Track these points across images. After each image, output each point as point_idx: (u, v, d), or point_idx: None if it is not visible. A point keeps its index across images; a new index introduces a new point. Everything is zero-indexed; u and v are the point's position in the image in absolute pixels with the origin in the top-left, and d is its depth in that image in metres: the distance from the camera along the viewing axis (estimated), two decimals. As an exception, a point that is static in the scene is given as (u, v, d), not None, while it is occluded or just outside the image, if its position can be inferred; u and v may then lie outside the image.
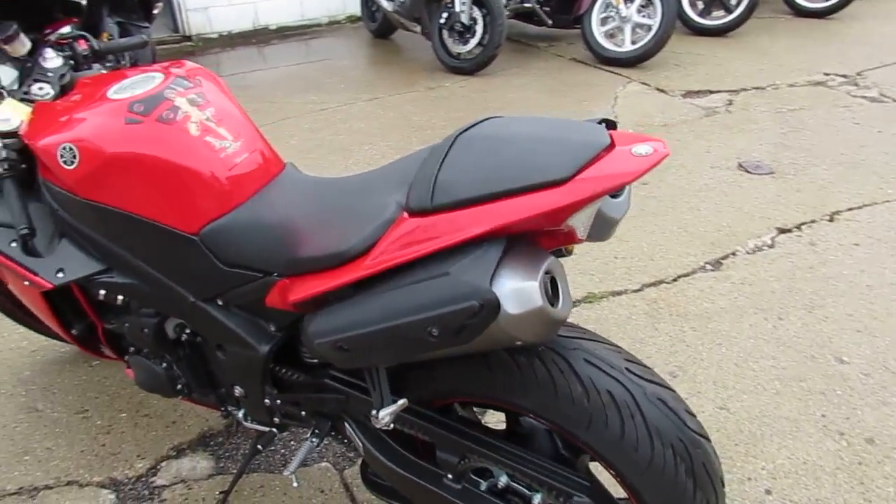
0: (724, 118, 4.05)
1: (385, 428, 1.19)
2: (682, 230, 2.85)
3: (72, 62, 1.61)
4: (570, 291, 2.34)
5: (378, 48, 6.11)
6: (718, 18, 5.73)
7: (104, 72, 1.67)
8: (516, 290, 0.92)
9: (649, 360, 2.12)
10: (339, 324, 1.04)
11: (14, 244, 1.45)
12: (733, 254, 2.68)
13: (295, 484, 1.41)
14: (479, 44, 4.94)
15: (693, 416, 1.17)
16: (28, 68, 1.56)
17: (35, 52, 1.57)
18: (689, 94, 4.46)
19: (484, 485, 1.33)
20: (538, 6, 5.32)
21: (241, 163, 1.32)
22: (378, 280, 1.03)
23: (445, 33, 5.08)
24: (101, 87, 1.40)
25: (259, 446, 1.58)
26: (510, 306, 0.92)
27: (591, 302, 2.42)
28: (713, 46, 5.46)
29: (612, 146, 0.94)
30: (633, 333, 2.25)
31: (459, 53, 5.05)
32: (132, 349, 1.60)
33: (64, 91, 1.53)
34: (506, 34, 4.85)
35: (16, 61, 1.57)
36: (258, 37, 6.72)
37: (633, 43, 4.98)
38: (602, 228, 1.11)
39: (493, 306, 0.91)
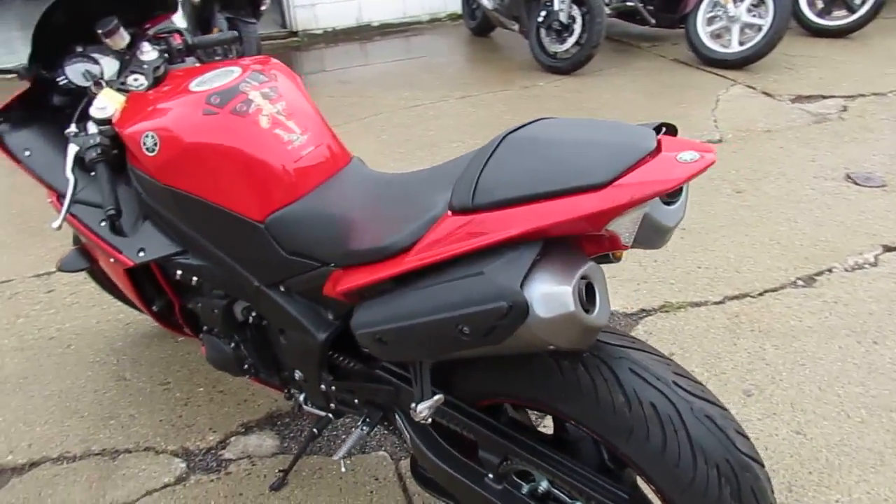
0: (835, 125, 3.80)
1: (424, 421, 1.20)
2: (775, 242, 2.70)
3: (166, 55, 1.71)
4: (647, 300, 2.27)
5: (476, 46, 6.13)
6: (839, 18, 5.38)
7: (197, 64, 1.77)
8: (548, 294, 0.91)
9: (724, 377, 2.03)
10: (378, 316, 1.06)
11: (103, 223, 1.56)
12: (829, 270, 2.51)
13: (343, 469, 1.45)
14: (577, 43, 4.87)
15: (745, 437, 1.11)
16: (127, 60, 1.67)
17: (133, 46, 1.67)
18: (798, 98, 4.22)
19: (526, 488, 1.31)
20: (641, 5, 5.17)
21: (307, 155, 1.36)
22: (418, 276, 1.04)
23: (543, 32, 5.03)
24: (186, 80, 1.48)
25: (315, 430, 1.64)
26: (541, 310, 0.91)
27: (667, 311, 2.34)
28: (831, 48, 5.13)
29: (657, 151, 0.91)
30: (710, 347, 2.16)
31: (556, 53, 4.99)
32: (205, 328, 1.69)
33: (157, 82, 1.63)
34: (604, 33, 4.75)
35: (117, 54, 1.68)
36: (361, 33, 6.89)
37: (741, 44, 4.75)
38: (653, 236, 1.08)
39: (522, 308, 0.90)
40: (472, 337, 0.96)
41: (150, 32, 1.77)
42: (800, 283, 2.45)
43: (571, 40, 4.88)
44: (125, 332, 2.41)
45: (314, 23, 6.80)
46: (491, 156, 1.01)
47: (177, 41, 1.77)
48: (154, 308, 1.76)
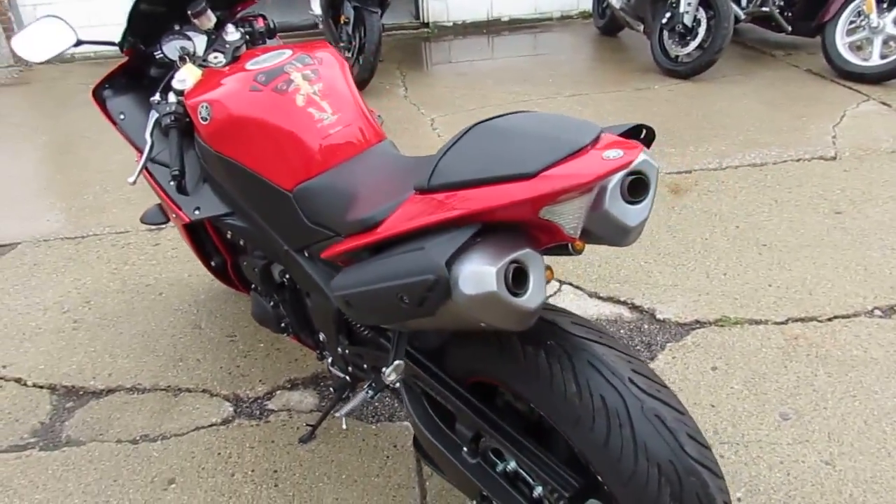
0: (973, 151, 3.45)
1: (392, 385, 1.28)
2: (861, 268, 2.52)
3: (248, 37, 1.88)
4: (704, 311, 2.21)
5: (601, 45, 6.06)
6: None
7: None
8: (473, 273, 0.96)
9: (763, 397, 1.96)
10: (347, 281, 1.16)
11: (171, 182, 1.77)
12: (917, 304, 2.33)
13: (344, 426, 1.56)
14: (699, 46, 4.70)
15: (701, 444, 1.11)
16: (213, 40, 1.86)
17: (220, 27, 1.87)
18: (937, 119, 3.86)
19: (500, 467, 1.37)
20: (777, 11, 4.90)
21: (335, 134, 1.48)
22: (383, 247, 1.13)
23: (666, 34, 4.90)
24: (247, 59, 1.65)
25: (332, 388, 1.77)
26: (466, 287, 0.97)
27: (722, 326, 2.27)
28: None
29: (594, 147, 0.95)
30: (757, 366, 2.08)
31: (677, 56, 4.85)
32: (252, 285, 1.87)
33: (235, 61, 1.81)
34: (729, 39, 4.55)
35: (205, 33, 1.88)
36: (490, 27, 6.99)
37: (883, 57, 4.39)
38: (613, 233, 1.10)
39: (445, 282, 0.96)
40: (410, 306, 1.03)
41: (238, 16, 1.96)
42: (877, 312, 2.28)
43: (694, 44, 4.72)
44: (209, 287, 2.67)
45: (445, 15, 6.99)
46: (455, 143, 1.08)
47: (259, 24, 1.94)
48: (212, 263, 1.96)
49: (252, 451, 1.91)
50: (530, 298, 1.00)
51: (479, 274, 0.96)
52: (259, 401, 2.11)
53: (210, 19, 1.85)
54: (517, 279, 0.99)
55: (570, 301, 2.47)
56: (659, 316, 2.36)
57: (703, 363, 2.11)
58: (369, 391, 1.58)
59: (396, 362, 1.27)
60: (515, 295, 0.98)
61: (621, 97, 4.55)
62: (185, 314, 2.53)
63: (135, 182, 1.74)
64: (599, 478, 1.14)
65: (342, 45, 4.88)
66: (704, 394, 2.00)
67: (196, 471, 1.87)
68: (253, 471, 1.85)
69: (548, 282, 1.16)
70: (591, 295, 2.50)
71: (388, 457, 1.86)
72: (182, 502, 1.78)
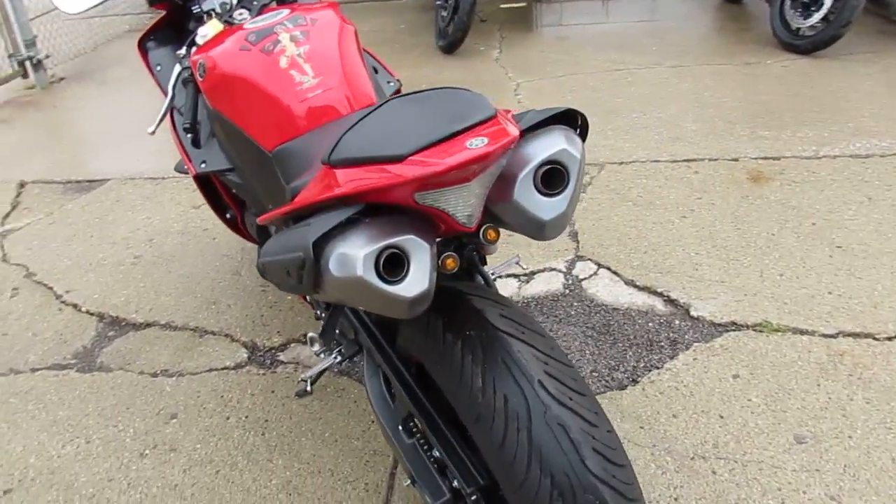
0: None
1: (316, 355, 1.28)
2: (946, 284, 2.22)
3: None
4: (745, 313, 2.05)
5: (722, 14, 5.60)
6: None
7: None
8: (341, 255, 0.93)
9: (781, 415, 1.79)
10: (265, 249, 1.16)
11: (189, 135, 1.83)
12: None
13: (308, 388, 1.59)
14: (824, 18, 4.23)
15: (609, 461, 1.02)
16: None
17: None
18: None
19: (431, 452, 1.34)
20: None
21: (313, 97, 1.47)
22: (298, 219, 1.12)
23: (788, 2, 4.45)
24: (253, 18, 1.66)
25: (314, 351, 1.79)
26: (334, 269, 0.94)
27: (760, 331, 2.08)
28: None
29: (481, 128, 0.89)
30: (785, 380, 1.89)
31: (798, 28, 4.39)
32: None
33: None
34: (860, 11, 4.06)
35: None
36: (610, -11, 6.65)
37: None
38: (527, 225, 1.04)
39: (311, 262, 0.94)
40: (294, 281, 1.02)
41: None
42: (948, 337, 2.01)
43: (818, 15, 4.25)
44: (256, 236, 2.78)
45: (562, -25, 6.71)
46: (365, 116, 1.03)
47: None
48: (227, 216, 2.03)
49: (251, 399, 1.99)
50: (408, 287, 0.95)
51: (345, 256, 0.93)
52: (272, 351, 2.18)
53: None
54: (393, 265, 0.94)
55: (603, 287, 2.35)
56: (693, 313, 2.20)
57: (726, 369, 1.96)
58: (337, 356, 1.59)
59: (311, 334, 1.27)
60: (389, 282, 0.94)
61: (725, 71, 4.20)
62: (230, 260, 2.65)
63: (153, 132, 1.82)
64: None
65: (438, 3, 4.82)
66: (716, 402, 1.85)
67: (197, 409, 1.97)
68: (246, 417, 1.93)
69: (450, 270, 1.11)
70: (627, 282, 2.37)
71: (372, 422, 1.88)
72: (178, 436, 1.89)
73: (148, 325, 2.35)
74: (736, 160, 3.10)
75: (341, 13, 1.66)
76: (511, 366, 1.06)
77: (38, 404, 2.04)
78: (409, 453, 1.34)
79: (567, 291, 2.36)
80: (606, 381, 1.96)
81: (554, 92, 4.07)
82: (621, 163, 3.18)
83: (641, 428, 1.80)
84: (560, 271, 2.46)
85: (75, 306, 2.48)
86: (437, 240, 1.08)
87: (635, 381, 1.96)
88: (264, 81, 1.47)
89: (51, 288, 2.59)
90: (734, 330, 2.10)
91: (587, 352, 2.08)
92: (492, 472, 1.13)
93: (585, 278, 2.41)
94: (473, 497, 1.18)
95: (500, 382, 1.05)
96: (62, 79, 5.04)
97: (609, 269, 2.45)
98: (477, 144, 0.86)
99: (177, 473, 1.78)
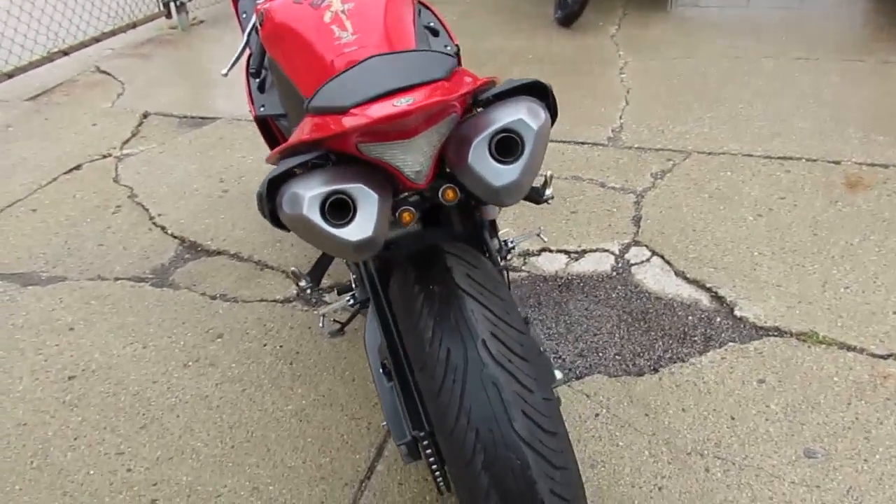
0: None
1: (300, 289, 1.39)
2: None
3: None
4: (793, 321, 2.05)
5: (880, 6, 5.13)
6: None
7: None
8: (291, 194, 1.01)
9: (800, 427, 1.71)
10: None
11: (255, 80, 1.97)
12: None
13: (321, 324, 1.70)
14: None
15: (540, 427, 1.06)
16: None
17: None
18: None
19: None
20: None
21: (348, 52, 1.54)
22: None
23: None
24: None
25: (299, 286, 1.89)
26: (285, 206, 1.02)
27: (803, 340, 1.98)
28: None
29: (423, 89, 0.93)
30: (813, 393, 1.80)
31: (952, 27, 3.97)
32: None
33: None
34: None
35: None
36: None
37: None
38: (483, 190, 1.07)
39: (265, 198, 1.02)
40: (262, 214, 1.11)
41: None
42: None
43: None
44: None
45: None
46: (345, 70, 1.10)
47: None
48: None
49: (289, 331, 2.15)
50: (351, 231, 1.02)
51: (295, 196, 1.00)
52: (319, 292, 2.33)
53: None
54: (339, 210, 1.01)
55: (651, 275, 2.31)
56: (738, 312, 2.12)
57: (753, 373, 1.89)
58: (350, 300, 1.69)
59: (293, 269, 1.37)
60: (334, 224, 1.01)
61: (856, 68, 3.88)
62: (302, 204, 2.82)
63: (226, 74, 1.98)
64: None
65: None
66: (732, 403, 1.80)
67: (241, 333, 2.15)
68: (281, 346, 2.09)
69: (405, 224, 1.16)
70: (677, 273, 2.31)
71: (392, 369, 1.98)
72: (219, 354, 2.08)
73: (219, 252, 2.57)
74: (837, 163, 2.90)
75: None
76: (460, 322, 1.12)
77: (113, 309, 2.30)
78: (384, 395, 1.42)
79: (614, 274, 2.33)
80: (626, 366, 1.95)
81: (660, 74, 3.94)
82: (710, 153, 3.05)
83: (646, 415, 1.79)
84: (612, 253, 2.43)
85: (163, 228, 2.74)
86: (404, 195, 1.13)
87: (655, 370, 1.93)
88: (308, 33, 1.57)
89: (147, 209, 2.87)
90: (775, 335, 2.02)
91: (616, 335, 2.07)
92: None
93: (636, 264, 2.37)
94: (425, 442, 1.25)
95: (447, 336, 1.11)
96: (201, 22, 5.44)
97: (663, 257, 2.40)
98: (401, 103, 0.91)
99: (210, 386, 1.97)
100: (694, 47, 4.32)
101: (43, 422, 1.88)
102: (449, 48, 1.93)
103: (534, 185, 1.59)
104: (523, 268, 2.39)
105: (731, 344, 2.01)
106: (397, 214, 1.17)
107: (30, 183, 3.09)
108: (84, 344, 2.15)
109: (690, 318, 2.12)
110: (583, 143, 3.20)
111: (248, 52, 2.10)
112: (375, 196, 1.03)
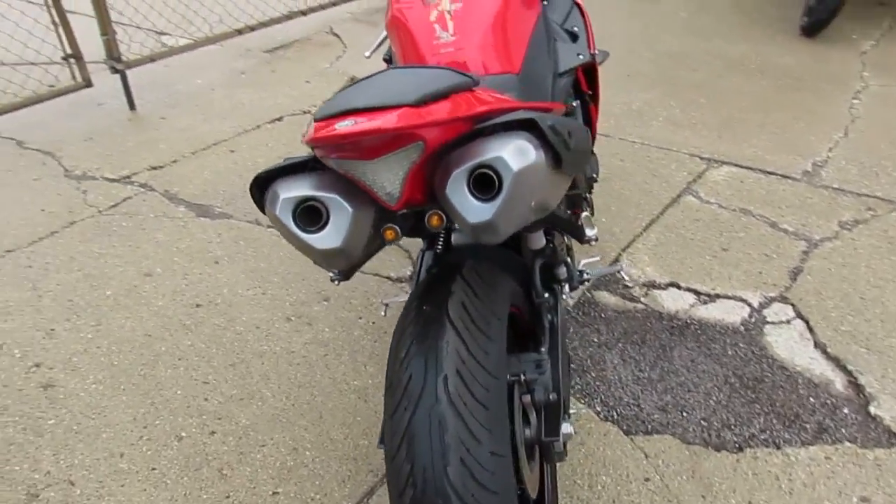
0: None
1: None
2: None
3: None
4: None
5: None
6: None
7: None
8: (272, 193, 1.02)
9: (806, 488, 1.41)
10: None
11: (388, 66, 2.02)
12: None
13: (382, 313, 1.74)
14: None
15: (475, 480, 1.01)
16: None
17: None
18: None
19: None
20: None
21: (444, 54, 1.53)
22: None
23: None
24: None
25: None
26: (267, 202, 1.04)
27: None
28: None
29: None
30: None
31: None
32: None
33: None
34: None
35: None
36: None
37: None
38: (460, 223, 1.02)
39: (253, 191, 1.05)
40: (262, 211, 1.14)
41: None
42: None
43: None
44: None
45: None
46: (359, 81, 1.08)
47: None
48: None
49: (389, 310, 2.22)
50: (320, 239, 1.01)
51: (274, 195, 1.02)
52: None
53: None
54: (311, 216, 1.01)
55: (785, 339, 2.01)
56: (873, 409, 1.78)
57: (858, 487, 1.58)
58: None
59: None
60: (305, 229, 1.01)
61: None
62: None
63: (369, 56, 2.06)
64: None
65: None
66: (812, 514, 1.53)
67: (344, 301, 2.27)
68: (373, 323, 2.17)
69: (388, 242, 1.13)
70: (817, 344, 1.99)
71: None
72: (319, 316, 2.21)
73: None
74: None
75: None
76: (431, 351, 1.08)
77: (254, 253, 2.54)
78: None
79: (741, 329, 2.07)
80: (707, 435, 1.74)
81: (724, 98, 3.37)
82: (927, 211, 2.55)
83: (702, 496, 1.59)
84: (749, 305, 2.15)
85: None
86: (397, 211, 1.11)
87: (739, 449, 1.70)
88: (414, 30, 1.57)
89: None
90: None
91: (713, 398, 1.85)
92: None
93: (772, 323, 2.08)
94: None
95: (414, 361, 1.08)
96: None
97: (807, 322, 2.07)
98: (344, 125, 0.89)
99: (299, 343, 2.11)
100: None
101: (162, 338, 2.16)
102: (581, 56, 1.82)
103: (576, 222, 1.49)
104: (642, 299, 2.21)
105: (847, 444, 1.69)
106: (382, 230, 1.15)
107: (237, 126, 3.49)
108: (220, 278, 2.41)
109: (811, 400, 1.82)
110: (770, 174, 2.83)
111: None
112: (350, 209, 1.01)
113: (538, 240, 1.50)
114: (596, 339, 2.07)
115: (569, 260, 1.65)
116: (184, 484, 1.70)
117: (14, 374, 2.04)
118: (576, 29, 1.91)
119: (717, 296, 2.20)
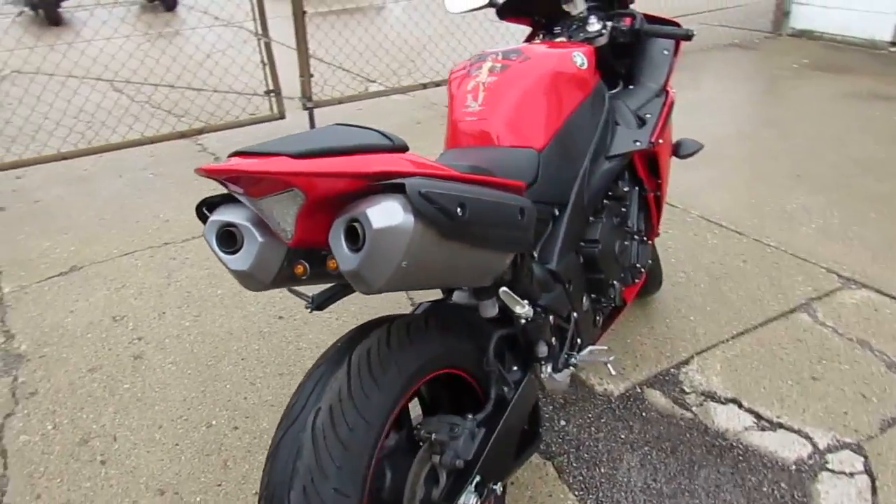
0: None
1: None
2: None
3: (603, 31, 1.96)
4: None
5: None
6: None
7: None
8: (208, 216, 1.16)
9: None
10: None
11: None
12: None
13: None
14: None
15: (311, 500, 1.07)
16: (577, 20, 2.02)
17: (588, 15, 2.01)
18: None
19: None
20: None
21: (468, 122, 1.62)
22: None
23: None
24: None
25: None
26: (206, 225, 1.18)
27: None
28: None
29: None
30: None
31: None
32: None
33: None
34: None
35: (572, 17, 2.03)
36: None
37: None
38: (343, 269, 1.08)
39: (200, 215, 1.20)
40: None
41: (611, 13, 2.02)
42: None
43: None
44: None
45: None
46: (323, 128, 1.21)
47: (625, 23, 1.98)
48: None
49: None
50: (233, 261, 1.13)
51: (207, 218, 1.17)
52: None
53: (577, 7, 2.02)
54: (230, 240, 1.14)
55: (839, 494, 1.74)
56: None
57: None
58: None
59: None
60: (223, 250, 1.14)
61: None
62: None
63: None
64: None
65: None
66: None
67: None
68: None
69: (299, 276, 1.21)
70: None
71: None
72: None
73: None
74: None
75: (586, 57, 1.69)
76: (319, 383, 1.16)
77: (349, 282, 2.76)
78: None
79: (791, 467, 1.83)
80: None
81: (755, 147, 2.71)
82: None
83: None
84: (812, 444, 1.90)
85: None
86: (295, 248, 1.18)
87: None
88: (454, 96, 1.69)
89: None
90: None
91: (720, 531, 1.66)
92: None
93: (832, 471, 1.81)
94: None
95: (304, 388, 1.18)
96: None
97: (874, 480, 1.77)
98: (227, 162, 1.01)
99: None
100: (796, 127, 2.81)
101: (239, 338, 2.43)
102: (638, 143, 1.80)
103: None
104: (694, 408, 2.04)
105: None
106: (293, 264, 1.23)
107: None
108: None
109: (837, 567, 1.56)
110: (911, 305, 2.46)
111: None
112: (259, 238, 1.13)
113: (488, 308, 1.50)
114: (623, 436, 1.95)
115: (553, 340, 1.61)
116: (193, 464, 1.91)
117: (120, 341, 2.43)
118: (648, 116, 1.89)
119: (780, 425, 1.97)
